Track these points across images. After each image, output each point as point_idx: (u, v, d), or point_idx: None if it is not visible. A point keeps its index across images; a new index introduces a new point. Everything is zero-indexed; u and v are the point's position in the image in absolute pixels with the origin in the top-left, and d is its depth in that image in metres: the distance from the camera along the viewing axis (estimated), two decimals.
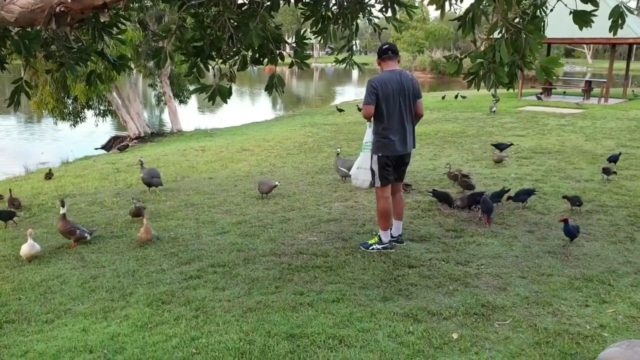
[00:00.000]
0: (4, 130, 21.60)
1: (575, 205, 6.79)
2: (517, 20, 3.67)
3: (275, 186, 7.75)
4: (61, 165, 14.00)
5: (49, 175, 10.55)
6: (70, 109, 18.10)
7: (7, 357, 3.76)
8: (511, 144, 10.42)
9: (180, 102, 22.01)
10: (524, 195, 6.87)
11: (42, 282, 5.08)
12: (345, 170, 8.27)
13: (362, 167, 5.67)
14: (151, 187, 8.47)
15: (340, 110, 19.80)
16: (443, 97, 23.25)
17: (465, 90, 22.86)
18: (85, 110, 18.85)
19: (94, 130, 20.23)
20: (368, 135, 5.60)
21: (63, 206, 5.99)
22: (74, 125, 18.69)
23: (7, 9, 2.40)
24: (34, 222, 7.20)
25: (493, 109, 17.36)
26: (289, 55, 4.22)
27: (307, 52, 4.27)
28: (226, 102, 4.16)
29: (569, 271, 4.94)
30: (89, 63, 4.95)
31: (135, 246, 5.97)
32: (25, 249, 5.57)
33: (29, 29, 3.66)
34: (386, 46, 5.36)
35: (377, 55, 5.44)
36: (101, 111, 19.53)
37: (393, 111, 5.25)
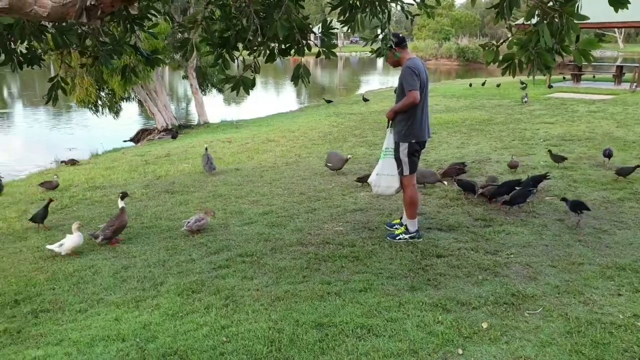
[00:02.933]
0: (36, 123, 22.08)
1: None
2: (550, 4, 3.59)
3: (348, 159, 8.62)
4: (91, 158, 14.26)
5: (72, 162, 11.92)
6: (107, 101, 18.56)
7: (43, 345, 3.86)
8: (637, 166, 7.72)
9: (205, 94, 22.18)
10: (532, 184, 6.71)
11: (75, 273, 5.19)
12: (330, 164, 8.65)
13: (384, 174, 5.53)
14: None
15: (329, 101, 20.71)
16: (470, 85, 22.97)
17: (489, 77, 22.55)
18: (122, 102, 19.29)
19: (122, 122, 20.53)
20: (389, 141, 5.50)
21: (122, 199, 6.00)
22: (116, 116, 19.22)
23: (40, 3, 2.43)
24: (66, 214, 7.35)
25: (525, 99, 16.83)
26: (316, 45, 4.21)
27: (333, 41, 4.24)
28: (248, 93, 4.17)
29: (600, 260, 4.86)
30: (123, 56, 5.01)
31: (166, 236, 6.05)
32: (74, 241, 5.54)
33: (63, 23, 3.72)
34: (402, 35, 5.44)
35: (396, 44, 5.20)
36: (135, 103, 19.95)
37: (424, 97, 5.29)
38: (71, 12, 2.47)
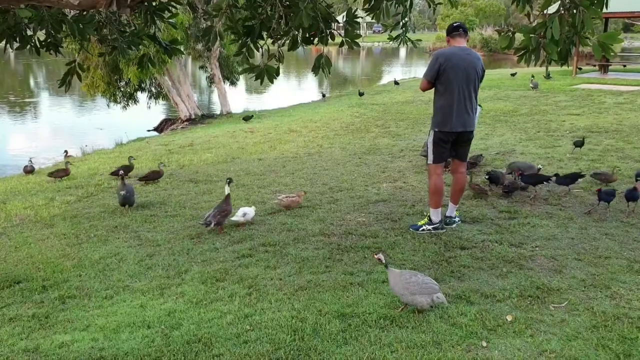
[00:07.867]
0: (60, 112, 22.41)
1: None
2: None
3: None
4: (115, 147, 14.42)
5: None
6: (122, 91, 18.56)
7: (70, 331, 3.93)
8: None
9: (231, 84, 22.22)
10: (567, 179, 6.52)
11: (100, 260, 5.27)
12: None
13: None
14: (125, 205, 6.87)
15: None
16: (514, 74, 22.05)
17: (514, 68, 22.14)
18: (138, 92, 19.30)
19: (145, 112, 20.70)
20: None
21: (228, 185, 6.06)
22: (126, 107, 19.18)
23: None
24: (92, 202, 7.45)
25: (533, 85, 17.05)
26: (340, 35, 4.19)
27: (357, 31, 4.23)
28: (272, 82, 4.18)
29: (627, 254, 4.78)
30: (141, 47, 5.05)
31: (190, 225, 6.10)
32: (253, 213, 5.98)
33: (84, 13, 3.75)
34: (457, 24, 5.40)
35: (447, 33, 5.43)
36: (153, 93, 19.95)
37: (454, 87, 5.19)
38: (101, 1, 2.49)
